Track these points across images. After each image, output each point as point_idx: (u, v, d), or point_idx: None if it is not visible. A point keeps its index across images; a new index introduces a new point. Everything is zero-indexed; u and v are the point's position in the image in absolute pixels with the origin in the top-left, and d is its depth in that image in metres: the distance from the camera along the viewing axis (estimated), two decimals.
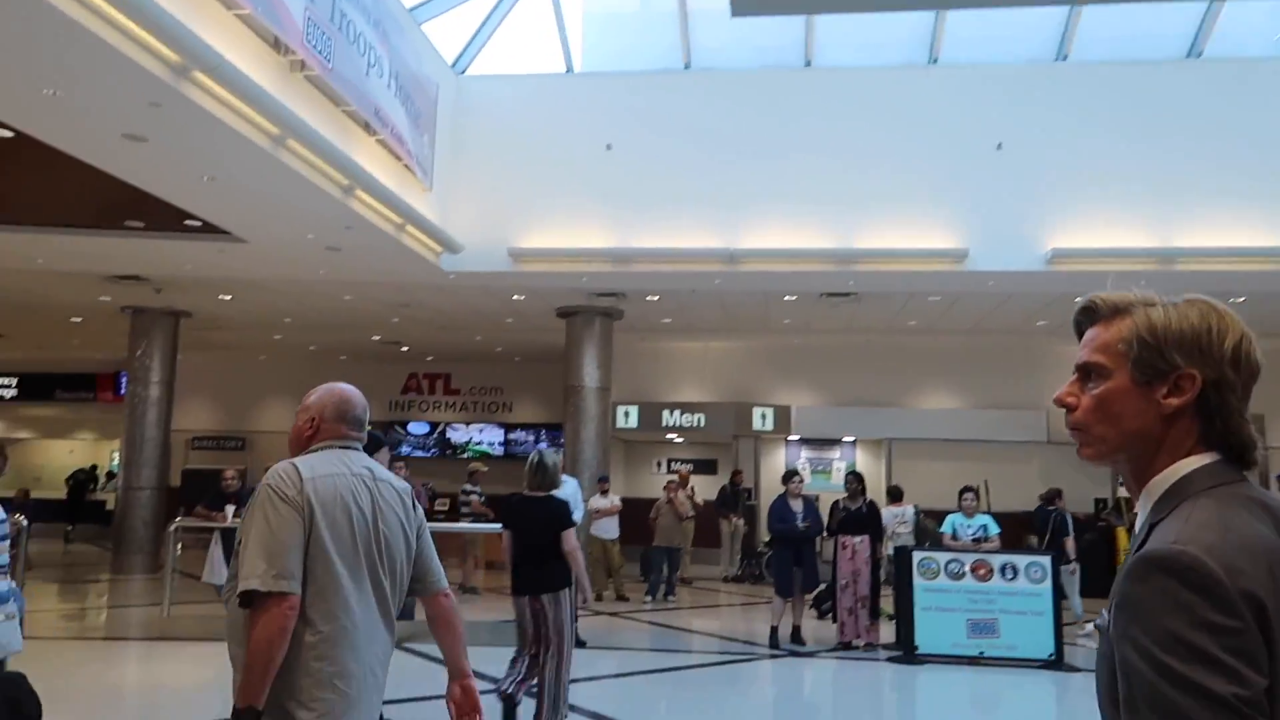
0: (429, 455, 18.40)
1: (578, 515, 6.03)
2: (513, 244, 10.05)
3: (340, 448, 2.64)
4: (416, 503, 2.77)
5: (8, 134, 6.63)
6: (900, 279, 10.43)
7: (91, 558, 15.77)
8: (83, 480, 18.99)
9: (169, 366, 13.52)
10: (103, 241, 9.57)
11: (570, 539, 5.63)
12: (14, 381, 19.23)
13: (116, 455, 21.42)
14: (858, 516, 8.92)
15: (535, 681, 5.70)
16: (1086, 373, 1.21)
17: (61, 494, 18.43)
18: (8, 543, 4.49)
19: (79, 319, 14.45)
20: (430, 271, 10.30)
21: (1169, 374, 1.16)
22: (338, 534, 2.46)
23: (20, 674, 2.63)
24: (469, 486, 11.97)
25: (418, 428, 18.90)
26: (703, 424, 15.27)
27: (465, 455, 17.96)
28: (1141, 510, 1.21)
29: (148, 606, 10.75)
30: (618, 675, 6.54)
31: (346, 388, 2.74)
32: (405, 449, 18.63)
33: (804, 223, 9.94)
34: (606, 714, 6.36)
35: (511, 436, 18.67)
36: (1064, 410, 1.23)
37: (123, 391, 18.27)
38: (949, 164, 9.87)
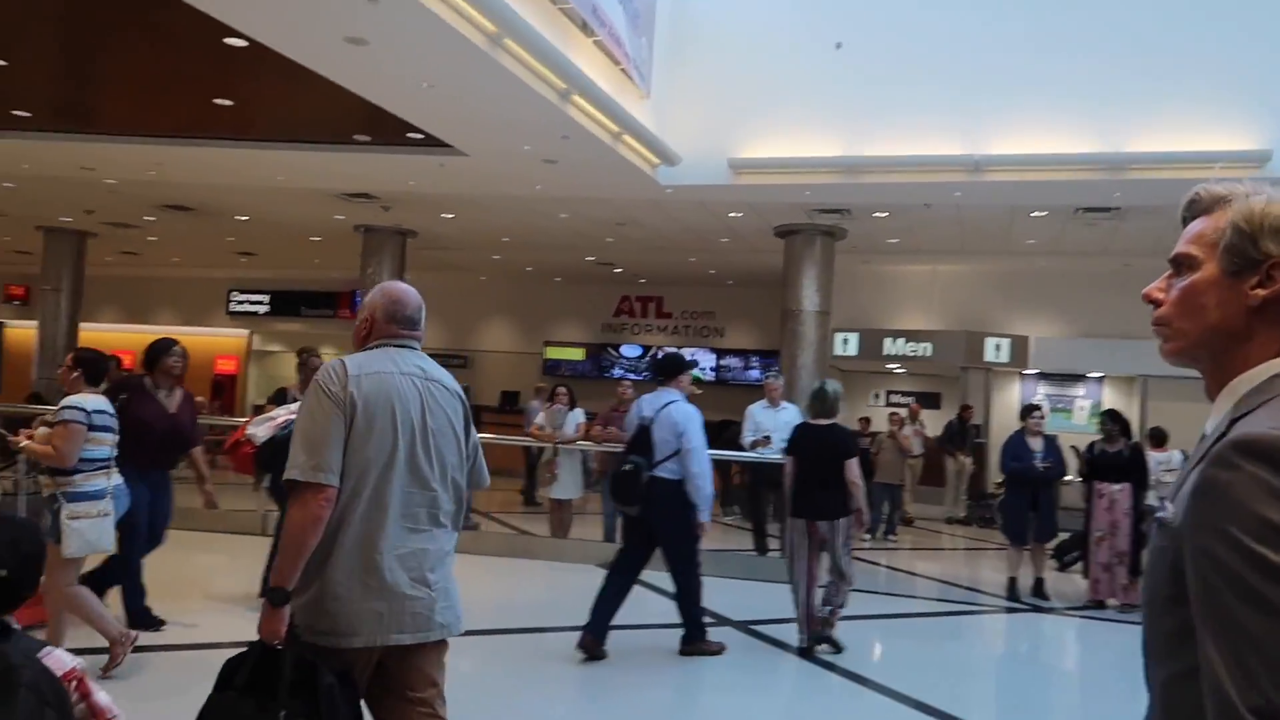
0: (640, 379, 18.36)
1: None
2: (733, 154, 9.45)
3: (394, 346, 2.65)
4: (464, 402, 2.77)
5: (242, 43, 6.72)
6: (1178, 188, 8.88)
7: None
8: None
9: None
10: (334, 157, 9.82)
11: (853, 468, 5.76)
12: (266, 298, 20.81)
13: None
14: (1117, 461, 7.86)
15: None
16: (1177, 266, 1.18)
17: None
18: (111, 436, 4.62)
19: (318, 238, 15.22)
20: (646, 186, 9.91)
21: (1260, 264, 1.10)
22: (380, 430, 2.50)
23: (25, 518, 2.69)
24: None
25: (630, 350, 18.89)
26: (929, 354, 14.22)
27: None
28: (1217, 413, 1.12)
29: None
30: (843, 618, 6.06)
31: (401, 287, 2.76)
32: (616, 372, 18.70)
33: (1062, 124, 8.70)
34: (842, 665, 5.88)
35: (723, 362, 18.30)
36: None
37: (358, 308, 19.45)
38: (1245, 50, 8.29)
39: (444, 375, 2.74)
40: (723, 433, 10.23)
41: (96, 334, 18.98)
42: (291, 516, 2.46)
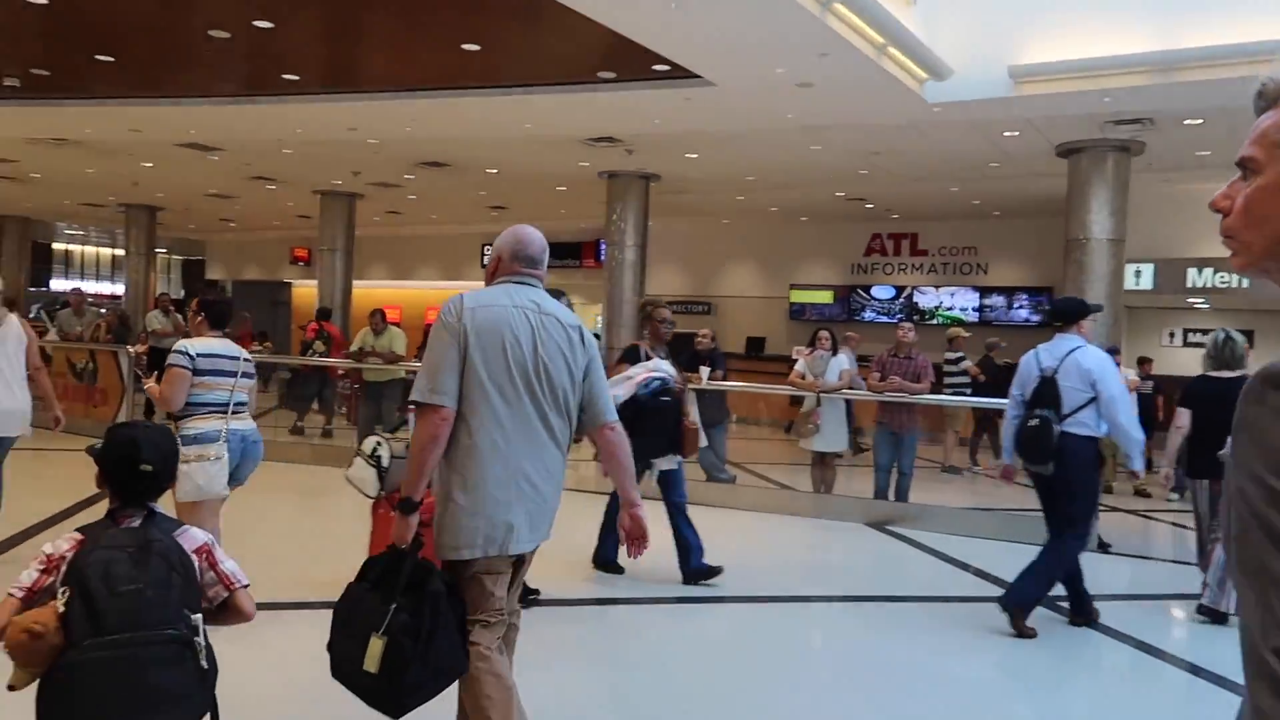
0: (893, 321, 17.28)
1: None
2: (1014, 61, 8.27)
3: (513, 283, 2.88)
4: (586, 336, 2.94)
5: None
6: None
7: None
8: None
9: (642, 231, 13.79)
10: (580, 99, 9.58)
11: None
12: None
13: (599, 319, 23.43)
14: None
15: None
16: (1243, 169, 1.04)
17: None
18: (245, 380, 4.60)
19: (563, 188, 15.28)
20: (911, 106, 8.93)
21: None
22: (492, 358, 2.72)
23: (160, 424, 2.69)
24: (953, 354, 10.73)
25: (882, 291, 17.80)
26: (1244, 285, 12.22)
27: (934, 321, 16.54)
28: None
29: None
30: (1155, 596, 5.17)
31: (527, 229, 2.98)
32: (869, 314, 17.68)
33: None
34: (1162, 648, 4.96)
35: (986, 301, 16.82)
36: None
37: (602, 257, 19.53)
38: None
39: (559, 310, 2.93)
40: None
41: (367, 290, 20.36)
42: (415, 434, 2.75)
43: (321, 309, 14.07)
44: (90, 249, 33.44)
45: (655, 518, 3.55)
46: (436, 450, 2.71)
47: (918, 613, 5.57)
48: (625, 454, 3.02)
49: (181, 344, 4.52)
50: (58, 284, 31.49)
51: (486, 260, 2.99)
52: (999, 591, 5.30)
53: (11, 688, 2.05)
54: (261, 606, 2.52)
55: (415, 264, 23.47)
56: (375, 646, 2.55)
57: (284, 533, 6.92)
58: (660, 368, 5.79)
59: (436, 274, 22.94)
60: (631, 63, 8.22)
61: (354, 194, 16.71)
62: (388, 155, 12.98)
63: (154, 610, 2.06)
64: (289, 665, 4.08)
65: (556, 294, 3.65)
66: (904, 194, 14.56)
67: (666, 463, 5.77)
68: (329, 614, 2.75)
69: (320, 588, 4.59)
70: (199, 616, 2.17)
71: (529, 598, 4.96)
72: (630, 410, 5.23)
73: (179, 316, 12.28)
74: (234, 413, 4.50)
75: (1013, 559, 5.59)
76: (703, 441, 6.77)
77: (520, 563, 2.94)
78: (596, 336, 16.90)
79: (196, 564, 2.24)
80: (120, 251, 32.60)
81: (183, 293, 29.54)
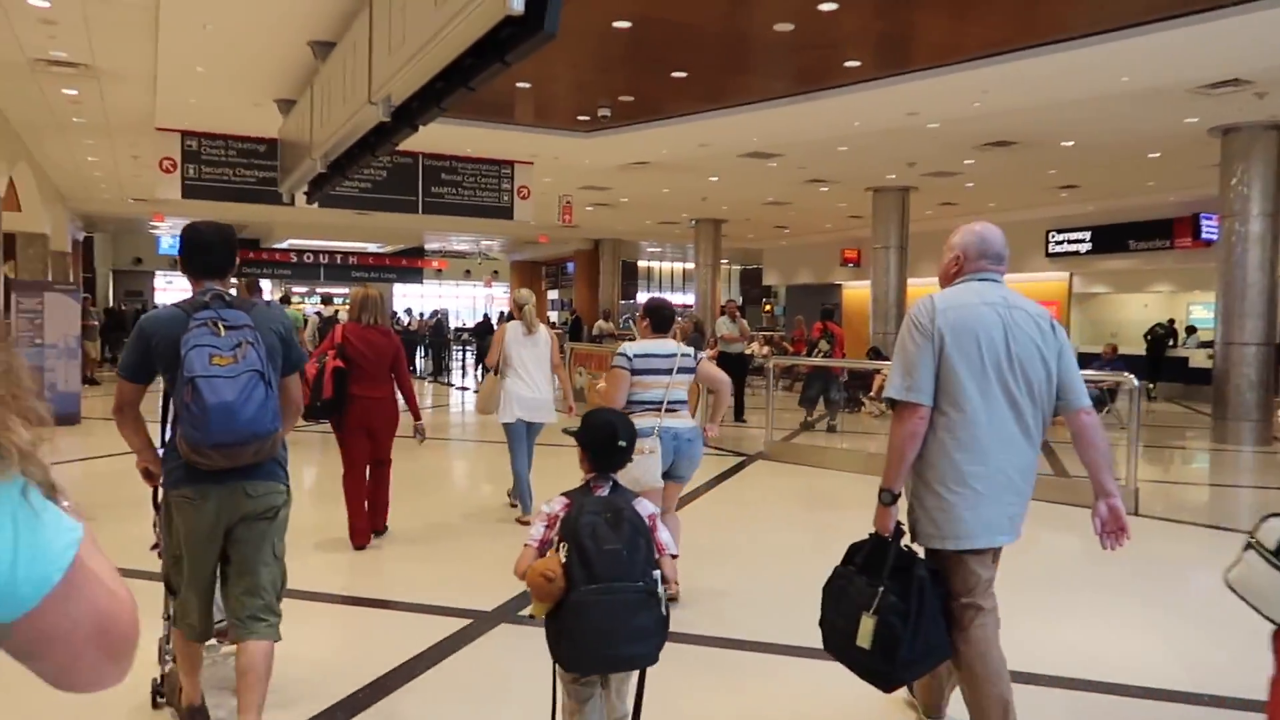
0: None
1: None
2: None
3: (977, 280, 2.96)
4: (1055, 325, 2.97)
5: None
6: None
7: (1174, 418, 14.40)
8: (1161, 336, 17.73)
9: (1272, 196, 10.97)
10: (1199, 33, 7.67)
11: None
12: (1087, 235, 18.89)
13: (1196, 308, 19.72)
14: None
15: None
16: None
17: (1140, 350, 17.50)
18: (682, 377, 4.67)
19: (1155, 154, 12.88)
20: None
21: None
22: (967, 357, 2.81)
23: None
24: None
25: None
26: None
27: None
28: None
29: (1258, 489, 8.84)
30: None
31: (986, 226, 3.06)
32: None
33: None
34: None
35: None
36: None
37: (1204, 235, 16.27)
38: None
39: (1027, 303, 2.96)
40: None
41: (923, 288, 19.50)
42: (893, 430, 2.87)
43: (825, 309, 13.67)
44: (666, 264, 37.46)
45: None
46: (915, 446, 2.85)
47: None
48: (1102, 440, 2.96)
49: (623, 346, 4.80)
50: (642, 297, 35.72)
51: (943, 259, 3.12)
52: None
53: (533, 616, 2.60)
54: None
55: None
56: (867, 625, 2.81)
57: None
58: None
59: None
60: None
61: (907, 187, 15.99)
62: (946, 140, 12.00)
63: (630, 566, 2.52)
64: None
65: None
66: None
67: None
68: None
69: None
70: (658, 573, 2.60)
71: None
72: None
73: (744, 322, 12.63)
74: (669, 410, 4.65)
75: None
76: None
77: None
78: (1191, 330, 14.30)
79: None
80: (689, 265, 36.07)
81: (740, 299, 31.54)
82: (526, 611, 2.67)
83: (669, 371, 4.63)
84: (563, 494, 2.71)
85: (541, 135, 12.12)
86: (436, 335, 21.62)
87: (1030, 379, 2.86)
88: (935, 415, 2.83)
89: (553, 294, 35.35)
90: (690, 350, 4.77)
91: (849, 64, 9.00)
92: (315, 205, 12.31)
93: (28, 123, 11.99)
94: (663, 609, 2.56)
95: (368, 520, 5.82)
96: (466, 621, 4.48)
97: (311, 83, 8.44)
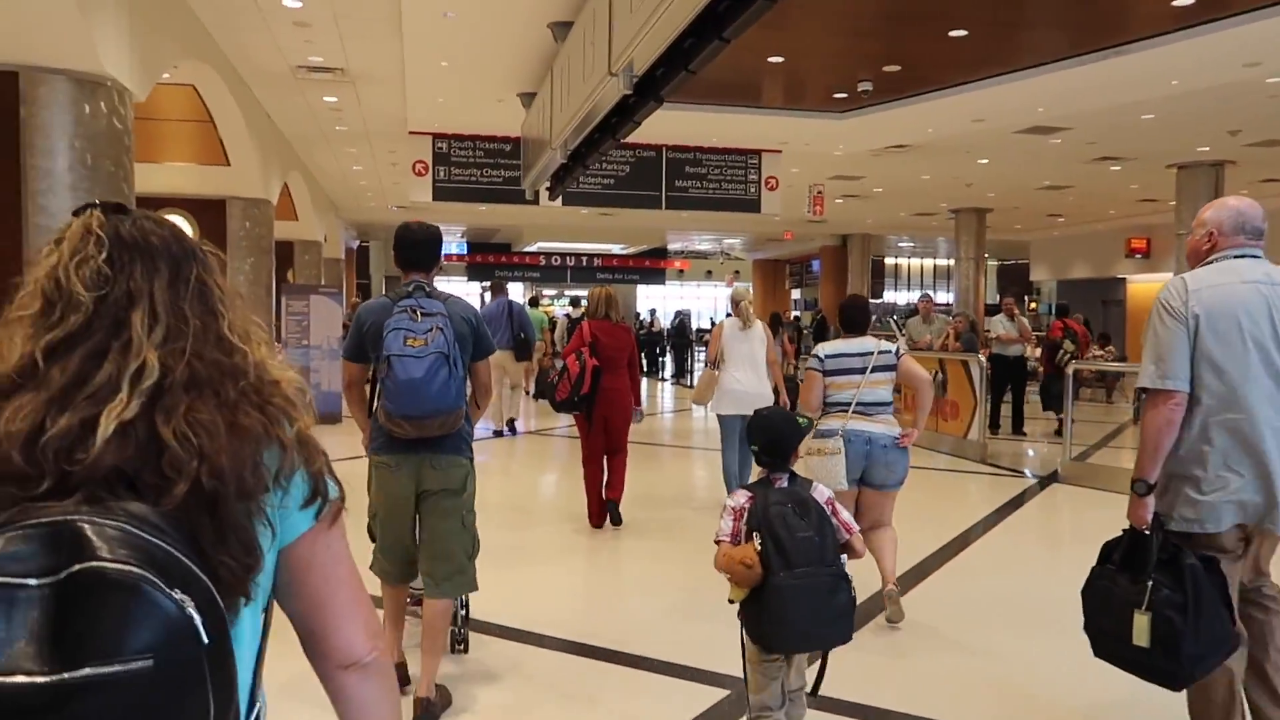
0: None
1: None
2: None
3: (1234, 257, 2.83)
4: None
5: None
6: None
7: None
8: None
9: None
10: None
11: None
12: None
13: None
14: None
15: None
16: None
17: None
18: (878, 375, 4.42)
19: None
20: None
21: None
22: (1224, 339, 2.72)
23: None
24: None
25: None
26: None
27: None
28: None
29: None
30: None
31: (1244, 200, 2.90)
32: None
33: None
34: None
35: None
36: None
37: None
38: None
39: None
40: None
41: None
42: (1147, 418, 2.82)
43: (1060, 306, 11.73)
44: (915, 261, 35.24)
45: None
46: (1171, 434, 2.77)
47: None
48: None
49: (816, 348, 4.71)
50: (889, 296, 33.76)
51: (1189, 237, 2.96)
52: None
53: (732, 601, 2.76)
54: None
55: None
56: (1141, 622, 2.71)
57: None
58: None
59: None
60: None
61: (1222, 162, 13.58)
62: None
63: (820, 551, 2.66)
64: None
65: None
66: None
67: None
68: None
69: None
70: (844, 556, 2.74)
71: None
72: None
73: (1024, 320, 11.06)
74: (861, 412, 4.43)
75: None
76: None
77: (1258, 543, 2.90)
78: None
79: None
80: (940, 260, 33.67)
81: (997, 297, 28.94)
82: (729, 598, 2.76)
83: (862, 371, 4.46)
84: (743, 488, 2.86)
85: (792, 119, 11.16)
86: (679, 336, 21.19)
87: None
88: (1190, 401, 2.78)
89: (796, 293, 34.14)
90: (891, 348, 4.57)
91: (1178, 2, 7.38)
92: (559, 203, 12.05)
93: (298, 133, 12.56)
94: (851, 591, 2.70)
95: (603, 504, 6.33)
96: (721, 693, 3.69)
97: (551, 68, 8.01)
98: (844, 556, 2.75)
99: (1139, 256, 21.91)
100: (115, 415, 0.92)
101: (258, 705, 1.02)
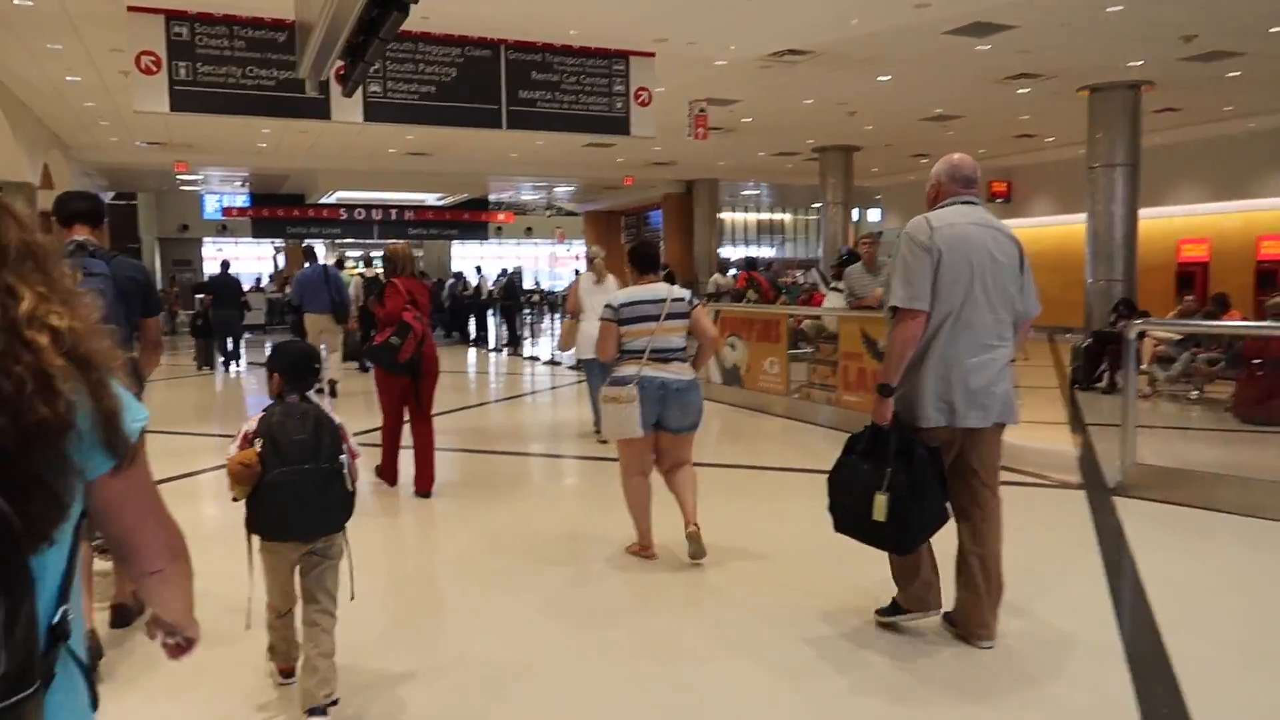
0: None
1: None
2: None
3: (960, 203, 3.43)
4: (1019, 243, 3.45)
5: None
6: None
7: None
8: None
9: None
10: None
11: None
12: None
13: None
14: None
15: None
16: None
17: None
18: (672, 322, 4.41)
19: None
20: None
21: None
22: (958, 269, 3.27)
23: None
24: None
25: None
26: None
27: None
28: None
29: None
30: None
31: (959, 156, 3.51)
32: None
33: None
34: None
35: None
36: None
37: None
38: None
39: (999, 223, 3.45)
40: None
41: (1162, 221, 15.36)
42: (895, 332, 3.33)
43: (748, 259, 9.82)
44: (740, 215, 33.41)
45: None
46: (914, 347, 3.30)
47: None
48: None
49: (609, 297, 4.74)
50: (725, 252, 31.74)
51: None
52: None
53: (235, 499, 2.84)
54: None
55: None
56: (880, 501, 3.24)
57: None
58: None
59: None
60: None
61: (1140, 83, 11.89)
62: None
63: (315, 451, 2.83)
64: None
65: None
66: None
67: None
68: None
69: None
70: (344, 457, 2.88)
71: None
72: None
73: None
74: (656, 359, 4.36)
75: None
76: None
77: (976, 439, 3.41)
78: None
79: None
80: (769, 215, 31.96)
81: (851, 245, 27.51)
82: (232, 496, 2.84)
83: (656, 318, 4.40)
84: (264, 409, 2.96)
85: None
86: (508, 297, 18.05)
87: (1006, 290, 3.36)
88: (930, 320, 3.29)
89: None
90: (684, 294, 4.52)
91: None
92: (358, 115, 8.73)
93: None
94: (349, 486, 2.88)
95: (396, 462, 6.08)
96: None
97: None
98: (344, 458, 2.89)
99: (999, 200, 20.64)
100: None
101: (63, 609, 1.12)
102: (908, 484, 3.20)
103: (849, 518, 3.38)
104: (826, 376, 8.53)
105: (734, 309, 10.56)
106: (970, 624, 3.42)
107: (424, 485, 5.85)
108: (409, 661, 3.36)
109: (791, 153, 18.43)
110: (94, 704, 1.20)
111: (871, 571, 3.84)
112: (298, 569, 2.94)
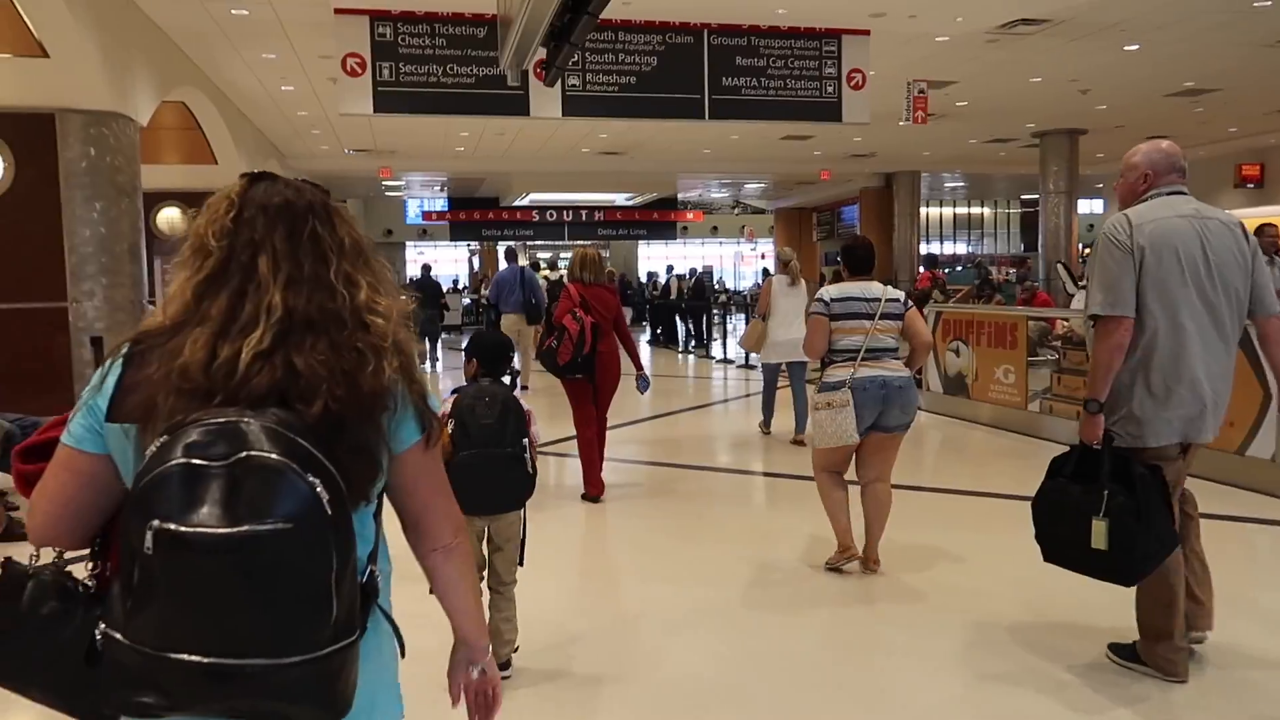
0: None
1: None
2: None
3: (1167, 194, 3.13)
4: (1248, 232, 3.16)
5: None
6: None
7: None
8: None
9: None
10: None
11: None
12: None
13: None
14: None
15: None
16: None
17: None
18: (886, 323, 4.30)
19: None
20: None
21: None
22: (1166, 269, 3.00)
23: None
24: None
25: None
26: None
27: None
28: None
29: None
30: None
31: (1168, 143, 3.20)
32: None
33: None
34: None
35: None
36: None
37: None
38: None
39: (1218, 213, 3.15)
40: None
41: None
42: (1098, 343, 3.08)
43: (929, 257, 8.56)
44: (934, 210, 31.49)
45: None
46: (1120, 357, 3.03)
47: None
48: None
49: (820, 291, 4.54)
50: (924, 248, 30.00)
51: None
52: None
53: None
54: None
55: None
56: (1099, 527, 2.97)
57: None
58: None
59: None
60: None
61: None
62: None
63: (499, 436, 3.09)
64: None
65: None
66: None
67: None
68: None
69: None
70: (527, 441, 3.14)
71: None
72: None
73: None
74: (870, 360, 4.21)
75: None
76: None
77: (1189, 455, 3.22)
78: None
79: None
80: (964, 210, 29.97)
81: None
82: None
83: (870, 316, 4.25)
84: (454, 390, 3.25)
85: None
86: (697, 299, 17.51)
87: (1229, 284, 3.06)
88: (1136, 326, 3.03)
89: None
90: (898, 295, 4.37)
91: None
92: (557, 110, 8.40)
93: (181, 26, 8.83)
94: (529, 469, 3.14)
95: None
96: None
97: None
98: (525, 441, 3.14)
99: (1250, 186, 18.27)
100: (251, 348, 1.19)
101: (372, 567, 1.26)
102: (1131, 507, 2.95)
103: (1062, 547, 3.17)
104: (1076, 389, 7.44)
105: (960, 310, 9.55)
106: (1197, 624, 3.29)
107: (594, 490, 5.92)
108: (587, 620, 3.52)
109: (1007, 139, 16.94)
110: (402, 652, 1.38)
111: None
112: (484, 542, 3.25)
